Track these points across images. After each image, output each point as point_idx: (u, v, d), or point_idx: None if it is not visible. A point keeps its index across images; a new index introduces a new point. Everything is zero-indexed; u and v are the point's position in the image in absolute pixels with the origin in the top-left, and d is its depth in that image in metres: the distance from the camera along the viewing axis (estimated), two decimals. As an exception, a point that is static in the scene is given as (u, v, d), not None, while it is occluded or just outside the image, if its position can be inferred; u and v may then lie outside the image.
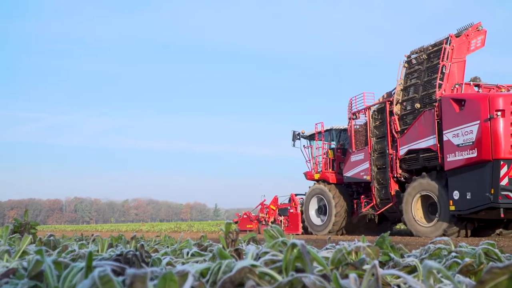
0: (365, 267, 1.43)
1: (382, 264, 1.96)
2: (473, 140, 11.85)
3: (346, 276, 1.35)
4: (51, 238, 2.76)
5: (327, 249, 2.11)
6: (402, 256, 2.21)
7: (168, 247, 2.83)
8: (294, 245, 1.28)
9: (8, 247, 2.01)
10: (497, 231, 13.85)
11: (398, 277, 1.45)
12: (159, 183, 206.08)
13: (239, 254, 1.79)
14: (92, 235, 3.31)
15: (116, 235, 3.19)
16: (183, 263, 1.88)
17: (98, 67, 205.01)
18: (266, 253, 1.49)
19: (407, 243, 9.48)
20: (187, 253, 2.14)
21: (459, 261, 1.71)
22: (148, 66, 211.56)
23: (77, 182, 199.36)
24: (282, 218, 19.94)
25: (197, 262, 1.92)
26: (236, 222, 22.16)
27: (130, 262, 1.63)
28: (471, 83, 13.78)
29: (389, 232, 2.16)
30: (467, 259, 1.64)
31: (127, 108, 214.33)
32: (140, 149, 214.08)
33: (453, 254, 1.93)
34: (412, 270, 1.70)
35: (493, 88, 13.66)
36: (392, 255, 2.02)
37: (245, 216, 22.10)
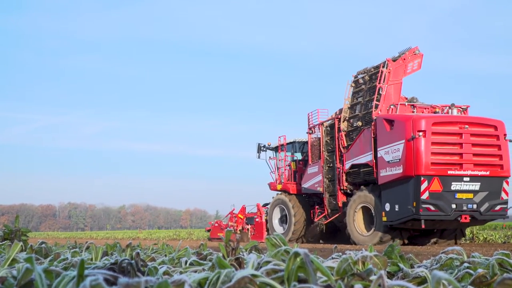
0: (372, 277, 1.42)
1: (391, 275, 1.96)
2: (400, 158, 13.66)
3: (351, 287, 1.35)
4: (43, 245, 2.78)
5: (332, 258, 2.12)
6: (412, 267, 2.21)
7: (165, 255, 2.84)
8: (297, 254, 1.28)
9: (-3, 255, 2.02)
10: (433, 240, 15.54)
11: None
12: (158, 188, 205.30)
13: (239, 263, 1.80)
14: (86, 242, 3.32)
15: (111, 242, 3.20)
16: (180, 273, 1.88)
17: (92, 66, 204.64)
18: (267, 262, 1.49)
19: (418, 252, 9.50)
20: (186, 262, 2.14)
21: (471, 272, 1.71)
22: (145, 66, 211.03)
23: (71, 186, 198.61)
24: (249, 226, 21.86)
25: (195, 271, 1.92)
26: (208, 230, 25.49)
27: (124, 271, 1.64)
28: (406, 103, 15.40)
29: (396, 242, 2.17)
30: (480, 270, 1.63)
31: (123, 109, 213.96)
32: (137, 152, 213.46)
33: (466, 264, 1.92)
34: (422, 281, 1.70)
35: (428, 108, 15.25)
36: (401, 265, 2.02)
37: (216, 225, 24.51)
